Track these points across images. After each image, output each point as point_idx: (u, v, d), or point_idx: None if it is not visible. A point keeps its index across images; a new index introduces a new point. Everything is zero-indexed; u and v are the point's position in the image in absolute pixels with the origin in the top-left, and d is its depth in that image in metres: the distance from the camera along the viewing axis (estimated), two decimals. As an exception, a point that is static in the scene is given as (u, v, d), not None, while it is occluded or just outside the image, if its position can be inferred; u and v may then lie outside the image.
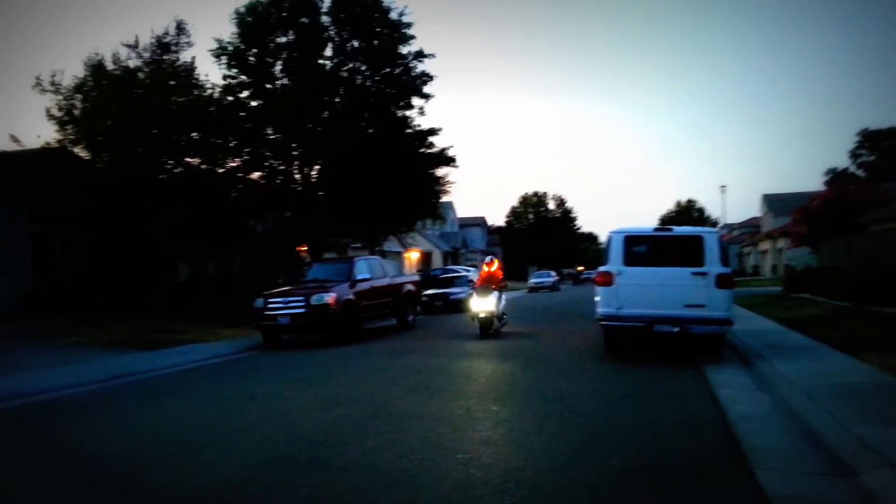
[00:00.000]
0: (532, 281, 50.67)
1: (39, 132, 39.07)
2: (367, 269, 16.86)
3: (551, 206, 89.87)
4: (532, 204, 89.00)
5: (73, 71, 19.91)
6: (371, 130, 23.90)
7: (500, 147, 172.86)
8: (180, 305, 18.60)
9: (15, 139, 17.53)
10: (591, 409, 7.18)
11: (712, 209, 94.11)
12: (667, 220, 77.25)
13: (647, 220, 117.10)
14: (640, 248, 11.35)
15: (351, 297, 15.37)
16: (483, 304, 14.98)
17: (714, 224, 74.63)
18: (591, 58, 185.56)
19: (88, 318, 17.12)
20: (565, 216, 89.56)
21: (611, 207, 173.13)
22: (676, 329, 10.56)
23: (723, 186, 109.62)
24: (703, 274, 10.56)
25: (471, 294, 15.81)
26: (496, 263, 16.19)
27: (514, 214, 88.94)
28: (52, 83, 17.42)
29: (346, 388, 9.05)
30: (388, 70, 24.17)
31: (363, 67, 24.01)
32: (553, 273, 54.59)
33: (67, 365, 11.85)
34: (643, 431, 6.22)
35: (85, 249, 20.41)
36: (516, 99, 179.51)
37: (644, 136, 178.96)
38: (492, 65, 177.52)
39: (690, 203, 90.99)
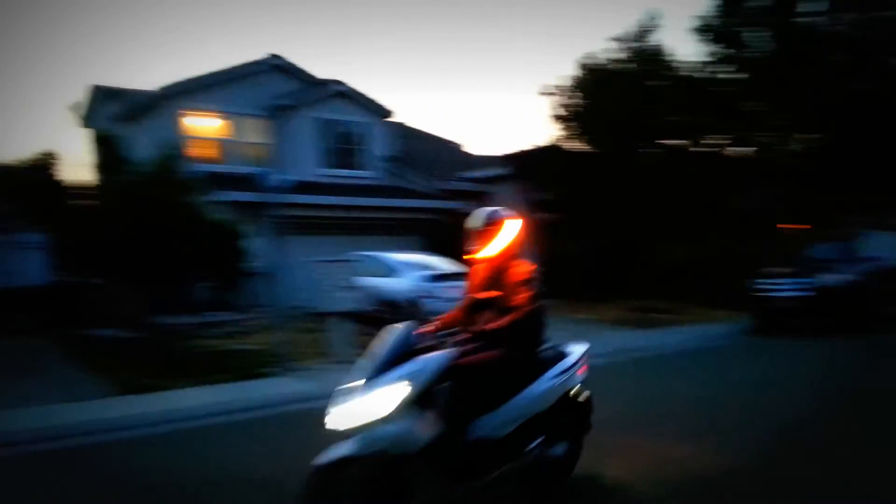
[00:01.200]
0: None
1: (542, 133, 44.60)
2: (879, 248, 15.22)
3: None
4: None
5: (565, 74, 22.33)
6: (869, 86, 20.83)
7: None
8: (663, 286, 19.34)
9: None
10: None
11: None
12: None
13: None
14: None
15: (859, 278, 13.86)
16: (360, 412, 3.89)
17: None
18: None
19: (581, 297, 19.06)
20: None
21: None
22: None
23: None
24: None
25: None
26: (507, 229, 4.88)
27: None
28: (556, 87, 19.73)
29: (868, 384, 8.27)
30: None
31: (855, 15, 21.06)
32: None
33: (583, 339, 13.34)
34: None
35: (574, 234, 22.75)
36: None
37: None
38: None
39: None
